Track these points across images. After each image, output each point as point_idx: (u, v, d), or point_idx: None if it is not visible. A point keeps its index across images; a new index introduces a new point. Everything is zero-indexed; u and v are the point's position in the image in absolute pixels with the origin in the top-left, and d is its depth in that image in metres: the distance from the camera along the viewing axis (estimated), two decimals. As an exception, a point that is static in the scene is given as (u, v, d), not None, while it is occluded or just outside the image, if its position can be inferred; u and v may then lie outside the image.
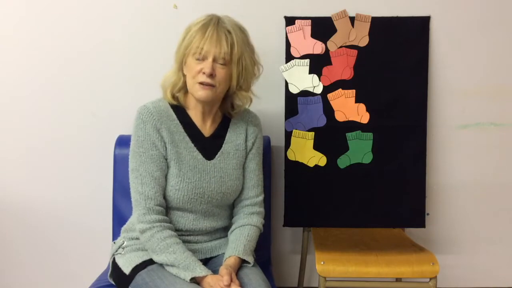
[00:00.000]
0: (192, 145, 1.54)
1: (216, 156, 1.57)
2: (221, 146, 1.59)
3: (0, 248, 2.13)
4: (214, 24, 1.49)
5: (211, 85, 1.48)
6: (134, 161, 1.51)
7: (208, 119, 1.59)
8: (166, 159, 1.51)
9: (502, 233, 2.16)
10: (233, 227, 1.61)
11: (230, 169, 1.58)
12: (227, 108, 1.62)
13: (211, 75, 1.47)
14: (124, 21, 2.00)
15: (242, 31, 1.54)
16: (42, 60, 2.00)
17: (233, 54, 1.49)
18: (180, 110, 1.57)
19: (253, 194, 1.63)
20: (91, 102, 2.03)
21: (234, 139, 1.61)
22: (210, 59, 1.47)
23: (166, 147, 1.51)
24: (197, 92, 1.49)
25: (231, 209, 1.65)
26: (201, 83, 1.48)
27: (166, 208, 1.53)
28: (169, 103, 1.57)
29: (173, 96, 1.56)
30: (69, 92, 2.02)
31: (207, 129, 1.59)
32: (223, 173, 1.56)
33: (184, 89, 1.57)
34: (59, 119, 2.04)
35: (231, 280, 1.39)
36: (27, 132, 2.05)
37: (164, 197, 1.52)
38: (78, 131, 2.05)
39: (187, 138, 1.54)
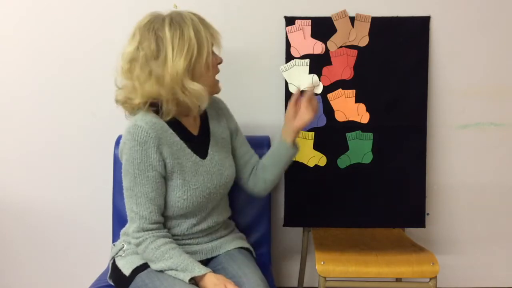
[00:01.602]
0: (190, 150, 1.52)
1: (209, 151, 1.56)
2: (209, 140, 1.58)
3: (0, 248, 2.13)
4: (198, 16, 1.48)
5: None
6: (128, 181, 1.45)
7: (197, 116, 1.58)
8: (164, 177, 1.48)
9: (502, 233, 2.16)
10: (256, 167, 1.68)
11: (223, 159, 1.59)
12: None
13: None
14: (124, 21, 1.98)
15: None
16: (42, 60, 2.00)
17: None
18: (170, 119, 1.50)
19: (256, 158, 1.69)
20: (91, 102, 2.03)
21: (217, 128, 1.61)
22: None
23: (165, 164, 1.46)
24: (218, 86, 1.53)
25: (227, 197, 1.68)
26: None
27: (170, 218, 1.52)
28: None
29: (169, 113, 1.45)
30: (69, 92, 2.03)
31: (196, 127, 1.57)
32: (220, 166, 1.57)
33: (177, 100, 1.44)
34: (59, 119, 2.04)
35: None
36: (27, 132, 2.05)
37: (169, 208, 1.49)
38: (78, 131, 2.05)
39: (184, 145, 1.51)
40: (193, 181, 1.50)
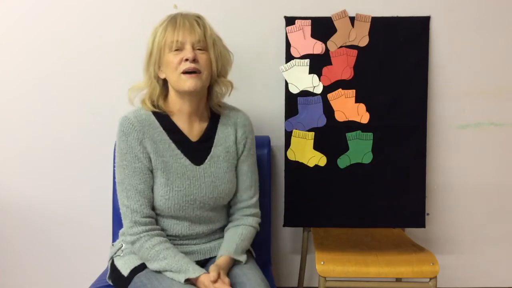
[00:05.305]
0: (179, 151, 1.52)
1: (206, 160, 1.54)
2: (210, 150, 1.56)
3: (0, 248, 2.13)
4: (181, 16, 1.49)
5: (197, 71, 1.46)
6: (119, 174, 1.50)
7: (195, 120, 1.55)
8: (152, 171, 1.49)
9: (502, 233, 2.16)
10: (228, 225, 1.61)
11: (221, 173, 1.56)
12: (214, 101, 1.59)
13: (194, 60, 1.45)
14: (124, 21, 2.00)
15: (206, 20, 1.53)
16: (42, 59, 2.00)
17: (207, 38, 1.49)
18: (163, 117, 1.53)
19: (247, 196, 1.61)
20: (91, 102, 2.03)
21: (223, 141, 1.58)
22: (188, 46, 1.46)
23: (150, 158, 1.48)
24: (185, 83, 1.46)
25: (228, 208, 1.65)
26: (185, 72, 1.45)
27: (160, 216, 1.52)
28: (151, 111, 1.53)
29: (154, 105, 1.53)
30: (69, 91, 2.03)
31: (194, 133, 1.56)
32: (214, 178, 1.54)
33: (163, 95, 1.54)
34: (59, 119, 2.04)
35: (219, 277, 1.39)
36: (27, 132, 2.05)
37: (155, 206, 1.50)
38: (78, 131, 2.05)
39: (173, 145, 1.51)
40: (177, 183, 1.49)
